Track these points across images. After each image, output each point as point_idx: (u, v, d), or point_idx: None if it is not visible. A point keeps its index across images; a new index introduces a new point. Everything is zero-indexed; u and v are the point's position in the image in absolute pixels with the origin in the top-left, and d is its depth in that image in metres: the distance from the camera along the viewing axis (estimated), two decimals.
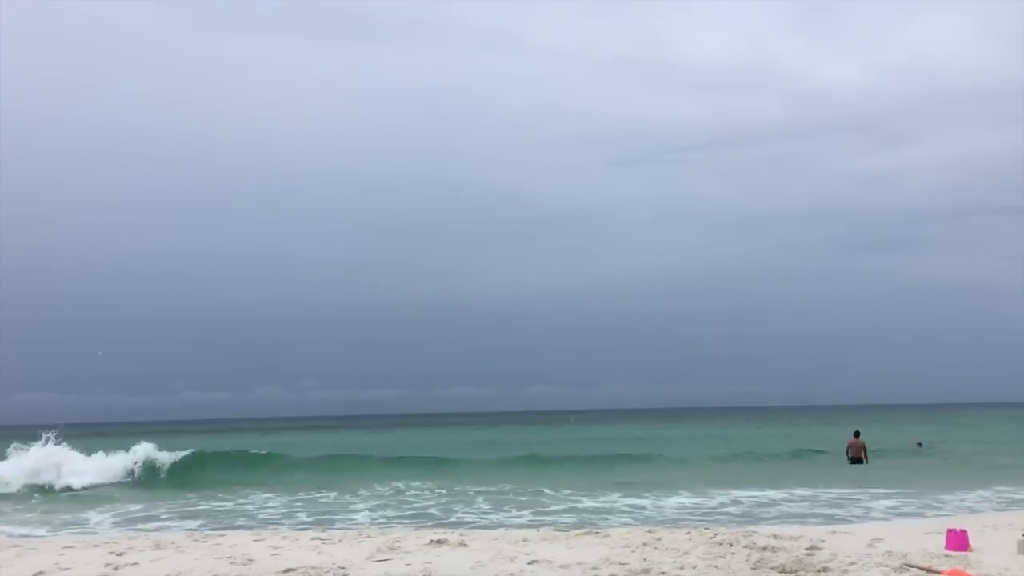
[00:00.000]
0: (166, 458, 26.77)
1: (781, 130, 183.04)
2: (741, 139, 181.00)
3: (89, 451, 25.47)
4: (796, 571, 8.59)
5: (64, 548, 11.03)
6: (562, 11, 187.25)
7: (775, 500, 18.10)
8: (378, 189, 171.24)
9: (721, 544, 10.22)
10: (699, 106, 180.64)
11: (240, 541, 11.40)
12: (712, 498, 18.37)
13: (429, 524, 14.98)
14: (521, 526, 14.45)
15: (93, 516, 17.15)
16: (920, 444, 33.22)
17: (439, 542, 10.78)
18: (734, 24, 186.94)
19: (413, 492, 20.57)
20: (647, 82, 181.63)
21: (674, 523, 14.40)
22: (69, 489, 22.71)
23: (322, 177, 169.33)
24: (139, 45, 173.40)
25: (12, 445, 24.22)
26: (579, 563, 9.16)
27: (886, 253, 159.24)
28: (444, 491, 20.40)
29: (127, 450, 26.28)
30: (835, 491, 19.19)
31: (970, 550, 9.63)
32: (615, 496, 18.86)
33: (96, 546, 11.19)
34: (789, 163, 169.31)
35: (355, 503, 18.64)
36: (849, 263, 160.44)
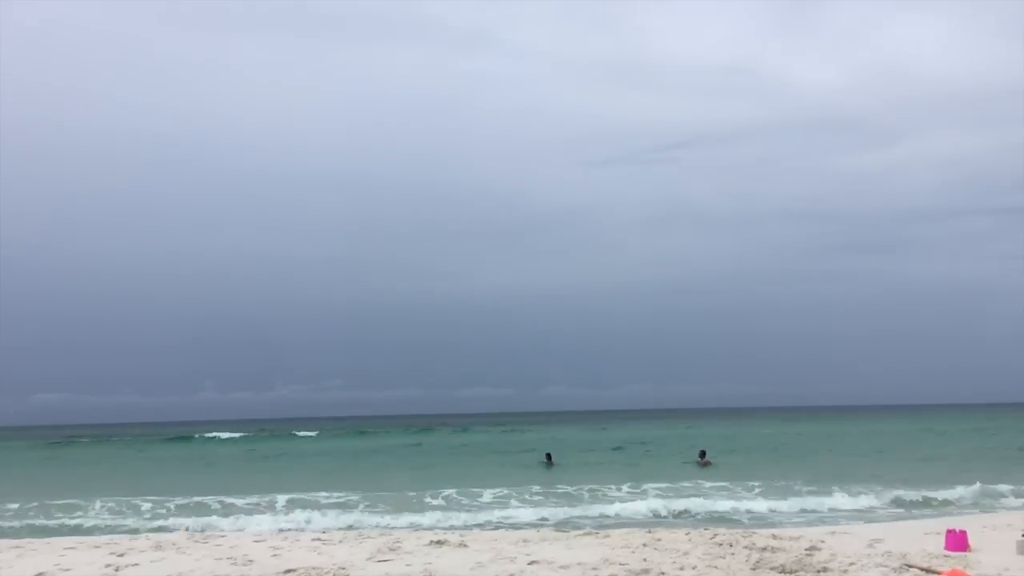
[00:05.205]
0: None
1: (767, 130, 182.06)
2: (728, 138, 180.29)
3: None
4: (796, 571, 8.61)
5: (65, 549, 11.06)
6: (543, 11, 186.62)
7: None
8: (371, 191, 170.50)
9: (721, 545, 10.24)
10: (684, 106, 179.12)
11: (240, 542, 11.42)
12: None
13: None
14: (522, 526, 14.48)
15: None
16: (549, 456, 28.02)
17: (439, 543, 10.80)
18: (716, 24, 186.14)
19: None
20: (630, 82, 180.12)
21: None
22: None
23: (315, 178, 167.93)
24: (127, 48, 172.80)
25: None
26: (579, 564, 9.18)
27: (876, 254, 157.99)
28: None
29: None
30: None
31: (969, 550, 9.65)
32: None
33: (97, 547, 11.21)
34: (776, 163, 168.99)
35: None
36: (839, 264, 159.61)
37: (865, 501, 17.45)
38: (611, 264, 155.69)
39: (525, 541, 10.97)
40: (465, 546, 10.60)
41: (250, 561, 9.77)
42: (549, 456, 28.31)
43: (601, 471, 25.00)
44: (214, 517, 16.73)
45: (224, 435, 54.86)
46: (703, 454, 27.34)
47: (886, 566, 8.80)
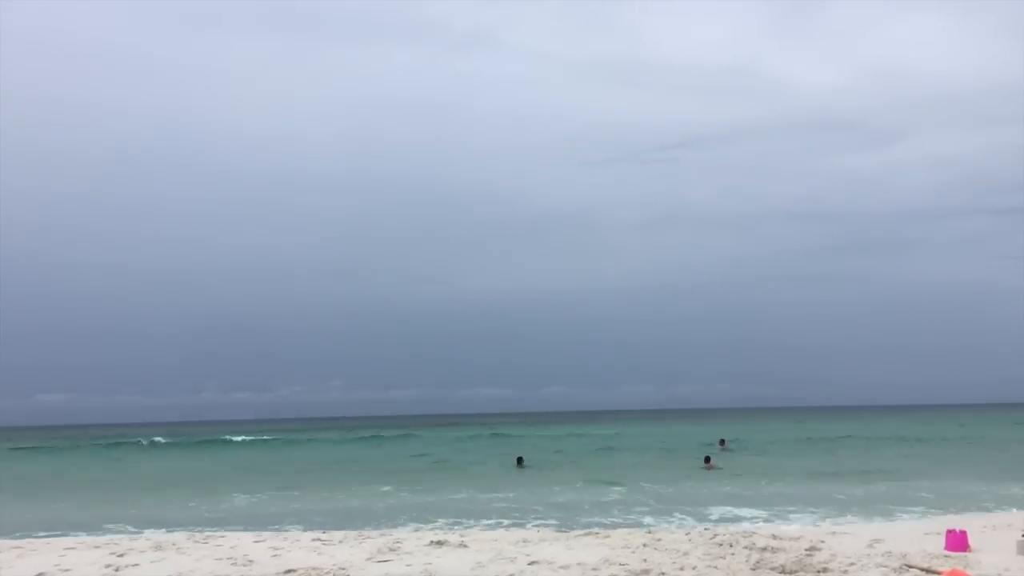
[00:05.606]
0: None
1: (767, 130, 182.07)
2: (728, 138, 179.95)
3: None
4: (796, 571, 8.61)
5: (65, 549, 11.07)
6: (542, 12, 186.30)
7: None
8: (370, 192, 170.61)
9: (721, 545, 10.24)
10: (683, 106, 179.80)
11: (240, 542, 11.43)
12: None
13: None
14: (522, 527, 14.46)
15: None
16: (520, 460, 28.21)
17: (439, 543, 10.80)
18: (715, 24, 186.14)
19: None
20: (630, 83, 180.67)
21: None
22: None
23: (316, 180, 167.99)
24: (126, 52, 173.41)
25: None
26: (579, 564, 9.17)
27: (876, 254, 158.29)
28: None
29: None
30: None
31: (969, 551, 9.65)
32: None
33: (97, 547, 11.21)
34: (776, 163, 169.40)
35: None
36: (839, 264, 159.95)
37: None
38: (611, 265, 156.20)
39: (525, 541, 10.97)
40: (465, 546, 10.59)
41: (250, 561, 9.77)
42: (520, 460, 28.49)
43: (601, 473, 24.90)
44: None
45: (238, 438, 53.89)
46: (708, 459, 27.29)
47: (886, 566, 8.79)
